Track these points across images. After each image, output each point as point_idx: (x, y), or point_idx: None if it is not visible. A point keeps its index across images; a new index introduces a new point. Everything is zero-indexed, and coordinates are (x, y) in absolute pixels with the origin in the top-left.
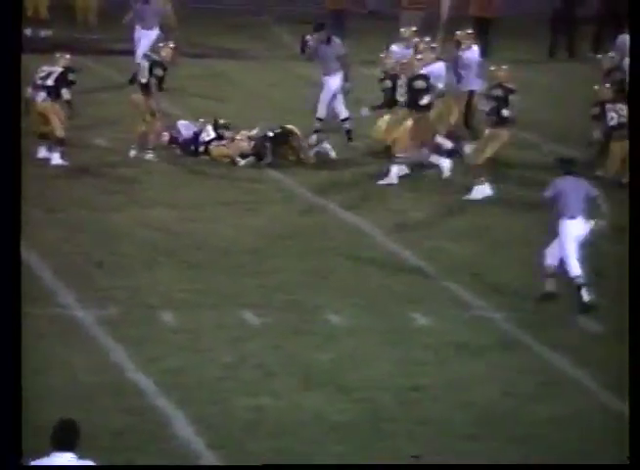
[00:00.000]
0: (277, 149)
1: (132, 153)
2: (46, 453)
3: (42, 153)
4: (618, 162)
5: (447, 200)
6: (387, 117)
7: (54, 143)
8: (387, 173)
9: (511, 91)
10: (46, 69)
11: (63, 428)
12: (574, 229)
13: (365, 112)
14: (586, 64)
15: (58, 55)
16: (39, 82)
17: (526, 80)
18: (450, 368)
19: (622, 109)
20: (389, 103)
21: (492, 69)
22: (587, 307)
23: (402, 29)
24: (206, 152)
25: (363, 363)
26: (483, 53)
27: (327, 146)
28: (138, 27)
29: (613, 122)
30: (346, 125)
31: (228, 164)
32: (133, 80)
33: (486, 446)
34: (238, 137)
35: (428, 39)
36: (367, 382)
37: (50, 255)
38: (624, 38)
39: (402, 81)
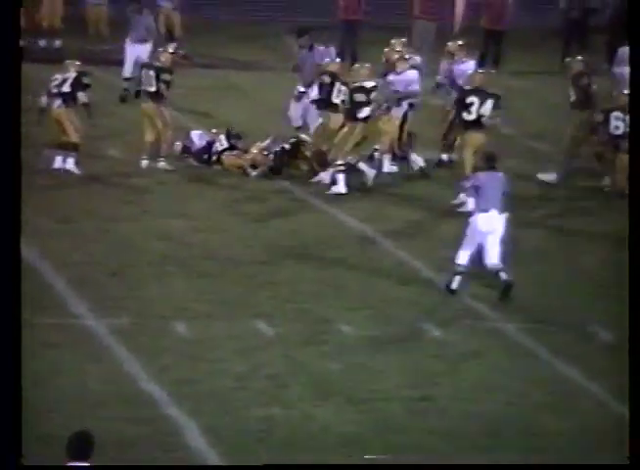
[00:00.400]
0: (290, 160)
1: (144, 163)
2: (62, 462)
3: (58, 163)
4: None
5: (454, 210)
6: (322, 121)
7: (69, 150)
8: (334, 182)
9: (487, 95)
10: (59, 76)
11: (78, 438)
12: (486, 222)
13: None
14: (601, 76)
15: (68, 61)
16: (54, 90)
17: (538, 92)
18: (460, 379)
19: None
20: (325, 102)
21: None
22: (508, 285)
23: (392, 41)
24: (219, 162)
25: (374, 374)
26: (495, 64)
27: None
28: (129, 40)
29: (618, 132)
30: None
31: (240, 175)
32: (139, 93)
33: (496, 456)
34: (254, 150)
35: (399, 48)
36: (378, 392)
37: (63, 265)
38: (625, 50)
39: (341, 86)
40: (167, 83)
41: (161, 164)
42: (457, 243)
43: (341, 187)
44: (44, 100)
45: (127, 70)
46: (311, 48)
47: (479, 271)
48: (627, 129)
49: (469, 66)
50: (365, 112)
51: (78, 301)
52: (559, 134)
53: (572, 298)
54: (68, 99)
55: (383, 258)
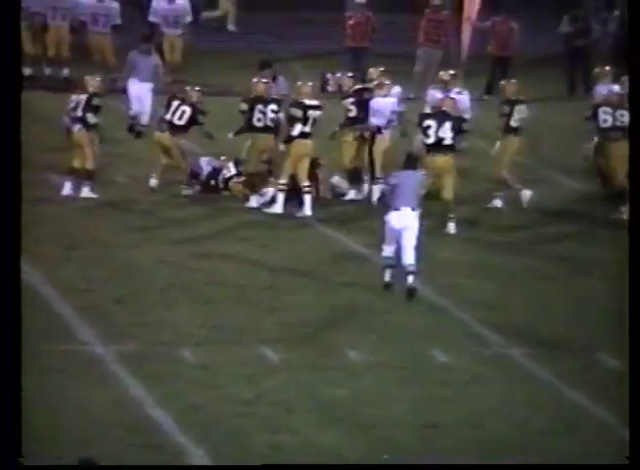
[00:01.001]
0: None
1: (152, 182)
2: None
3: (66, 190)
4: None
5: (462, 236)
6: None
7: (83, 176)
8: (272, 200)
9: (447, 117)
10: (74, 98)
11: (83, 466)
12: (399, 219)
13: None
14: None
15: (87, 77)
16: (71, 114)
17: (546, 119)
18: (466, 404)
19: (623, 114)
20: (246, 127)
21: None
22: (411, 291)
23: (371, 70)
24: (226, 188)
25: (381, 400)
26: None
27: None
28: (135, 79)
29: (606, 125)
30: None
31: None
32: (139, 134)
33: None
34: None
35: (381, 71)
36: (384, 418)
37: (69, 291)
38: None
39: (261, 107)
40: (198, 122)
41: (186, 191)
42: (461, 269)
43: (278, 207)
44: (67, 121)
45: (135, 108)
46: (274, 79)
47: (482, 297)
48: (616, 123)
49: (464, 99)
50: (297, 129)
51: (84, 327)
52: (563, 159)
53: (578, 323)
54: (84, 123)
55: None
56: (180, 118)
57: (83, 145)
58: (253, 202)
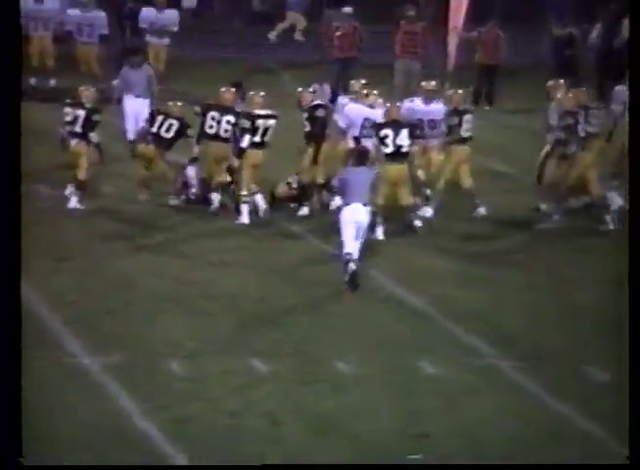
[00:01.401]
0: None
1: (141, 197)
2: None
3: (73, 203)
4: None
5: (450, 247)
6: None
7: (75, 186)
8: (239, 212)
9: (402, 125)
10: (70, 111)
11: None
12: (351, 214)
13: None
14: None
15: (82, 88)
16: (68, 128)
17: (530, 128)
18: (456, 416)
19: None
20: (199, 132)
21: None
22: (353, 276)
23: (352, 81)
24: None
25: (370, 411)
26: (489, 102)
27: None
28: (130, 96)
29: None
30: None
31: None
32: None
33: None
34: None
35: (363, 83)
36: (373, 430)
37: (58, 303)
38: (621, 89)
39: (216, 115)
40: (186, 135)
41: (172, 201)
42: (452, 281)
43: (244, 218)
44: (63, 134)
45: (131, 131)
46: (243, 99)
47: (474, 310)
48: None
49: (440, 108)
50: (246, 139)
51: (74, 339)
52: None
53: (569, 336)
54: (82, 138)
55: (378, 295)
56: (167, 131)
57: (80, 155)
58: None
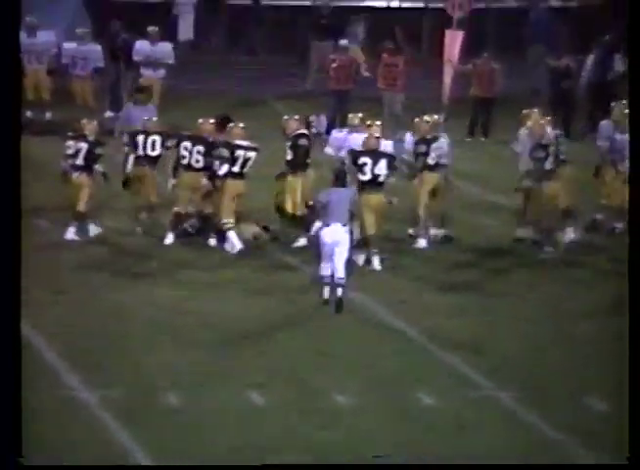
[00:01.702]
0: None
1: (138, 229)
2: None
3: (70, 234)
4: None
5: (443, 277)
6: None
7: (73, 217)
8: (226, 241)
9: (381, 155)
10: (72, 144)
11: None
12: (330, 235)
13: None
14: (582, 142)
15: (84, 121)
16: (69, 161)
17: None
18: (454, 448)
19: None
20: (174, 163)
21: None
22: (340, 302)
23: (350, 115)
24: None
25: (368, 442)
26: (485, 134)
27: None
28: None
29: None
30: None
31: None
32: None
33: None
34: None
35: (360, 117)
36: (372, 462)
37: (55, 335)
38: (606, 123)
39: (188, 145)
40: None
41: (167, 241)
42: (451, 312)
43: (236, 244)
44: (65, 166)
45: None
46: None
47: (470, 338)
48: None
49: (442, 143)
50: (224, 168)
51: (70, 372)
52: None
53: (568, 367)
54: (84, 171)
55: (377, 326)
56: (153, 149)
57: (82, 187)
58: (169, 239)
